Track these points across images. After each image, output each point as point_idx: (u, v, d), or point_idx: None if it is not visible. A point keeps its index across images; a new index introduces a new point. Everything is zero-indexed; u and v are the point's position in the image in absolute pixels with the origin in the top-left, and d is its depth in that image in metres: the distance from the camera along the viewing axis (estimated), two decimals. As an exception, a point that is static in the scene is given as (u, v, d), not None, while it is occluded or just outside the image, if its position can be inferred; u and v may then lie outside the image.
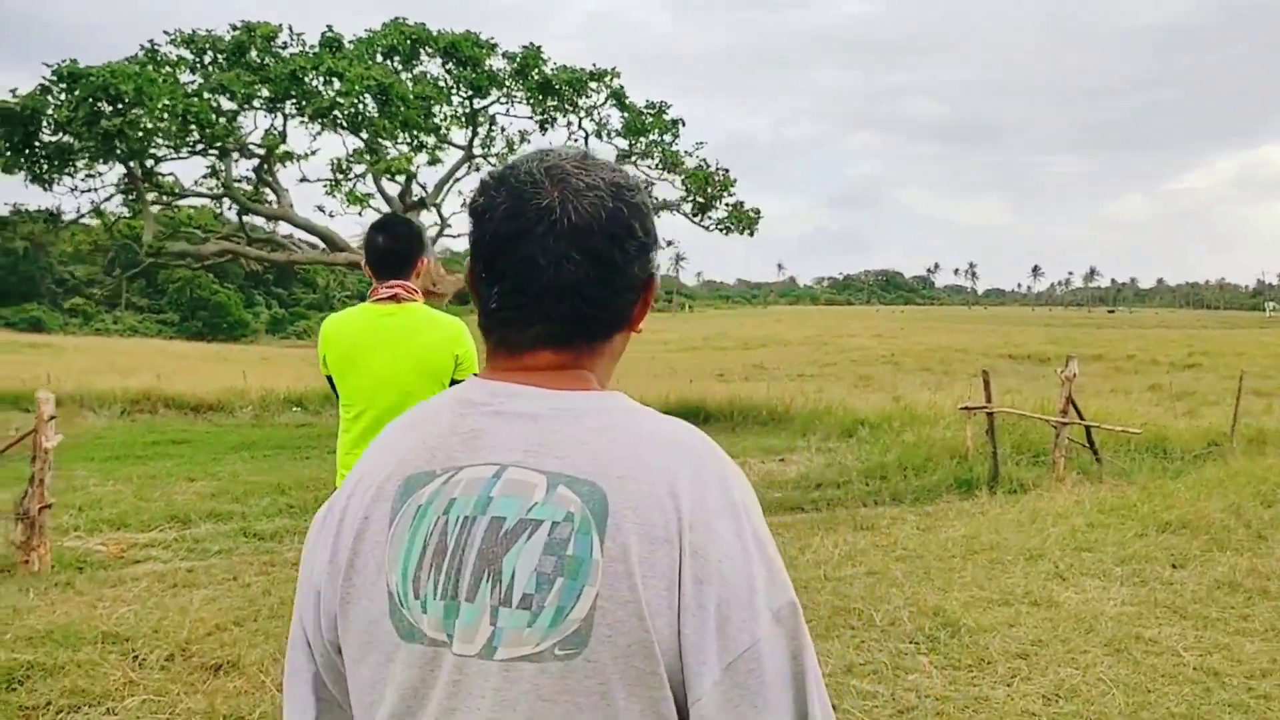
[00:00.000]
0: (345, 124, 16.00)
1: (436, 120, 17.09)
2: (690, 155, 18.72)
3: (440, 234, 17.86)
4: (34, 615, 5.13)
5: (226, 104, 16.29)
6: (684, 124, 18.66)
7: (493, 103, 18.26)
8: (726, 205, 18.59)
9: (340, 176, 17.17)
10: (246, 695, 4.20)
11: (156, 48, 16.55)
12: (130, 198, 17.11)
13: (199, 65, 16.82)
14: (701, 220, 18.77)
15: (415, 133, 16.36)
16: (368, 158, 16.37)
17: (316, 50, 16.93)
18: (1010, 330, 63.48)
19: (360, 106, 15.85)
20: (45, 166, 15.60)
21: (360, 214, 17.17)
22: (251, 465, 11.49)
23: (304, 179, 18.10)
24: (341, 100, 15.57)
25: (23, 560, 6.27)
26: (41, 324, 58.48)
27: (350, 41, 17.33)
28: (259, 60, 16.63)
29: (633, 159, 18.55)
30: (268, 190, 17.70)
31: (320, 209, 18.56)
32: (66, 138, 15.26)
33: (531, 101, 17.97)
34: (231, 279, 69.00)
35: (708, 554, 0.95)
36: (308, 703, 1.12)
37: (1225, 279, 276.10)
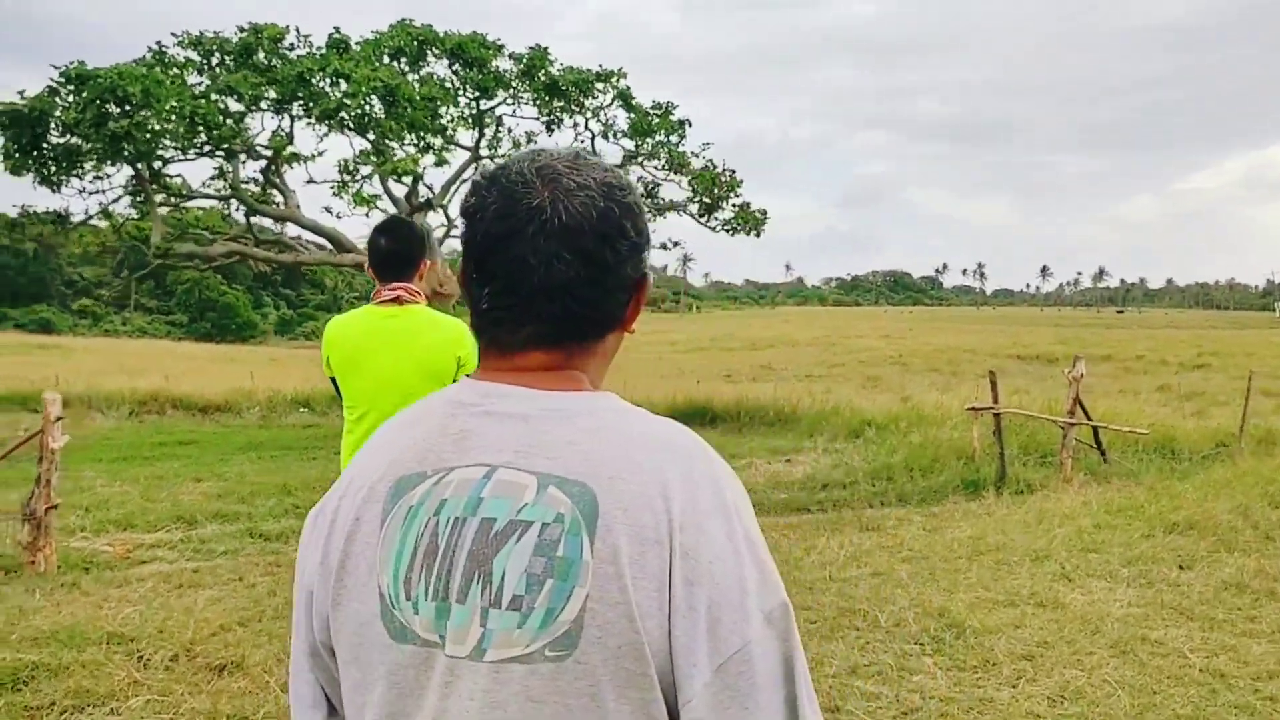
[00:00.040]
0: (352, 125, 16.03)
1: (443, 121, 17.12)
2: (697, 156, 18.71)
3: (447, 235, 17.87)
4: (39, 616, 5.14)
5: (234, 105, 16.34)
6: (690, 125, 18.65)
7: (499, 104, 18.28)
8: (733, 206, 18.58)
9: (347, 178, 17.19)
10: (250, 696, 4.20)
11: (164, 49, 16.61)
12: (138, 199, 17.17)
13: (206, 67, 16.87)
14: (708, 221, 18.75)
15: (422, 134, 16.38)
16: (374, 159, 16.39)
17: (323, 52, 16.96)
18: (1019, 331, 63.33)
19: (367, 108, 15.87)
20: (53, 168, 15.66)
21: (367, 215, 17.21)
22: (258, 466, 11.52)
23: (311, 180, 18.17)
24: (348, 101, 15.60)
25: (29, 561, 6.29)
26: (51, 325, 58.70)
27: (357, 43, 17.36)
28: (266, 62, 16.68)
29: (639, 160, 18.54)
30: (275, 192, 17.74)
31: (327, 210, 18.67)
32: (74, 139, 15.31)
33: (538, 102, 17.97)
34: (240, 280, 69.17)
35: (699, 555, 0.95)
36: (312, 701, 1.12)
37: (1235, 279, 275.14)
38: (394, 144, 16.39)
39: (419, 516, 0.99)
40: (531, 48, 17.80)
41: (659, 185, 18.73)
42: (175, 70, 16.40)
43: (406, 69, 17.42)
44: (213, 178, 17.63)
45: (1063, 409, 10.37)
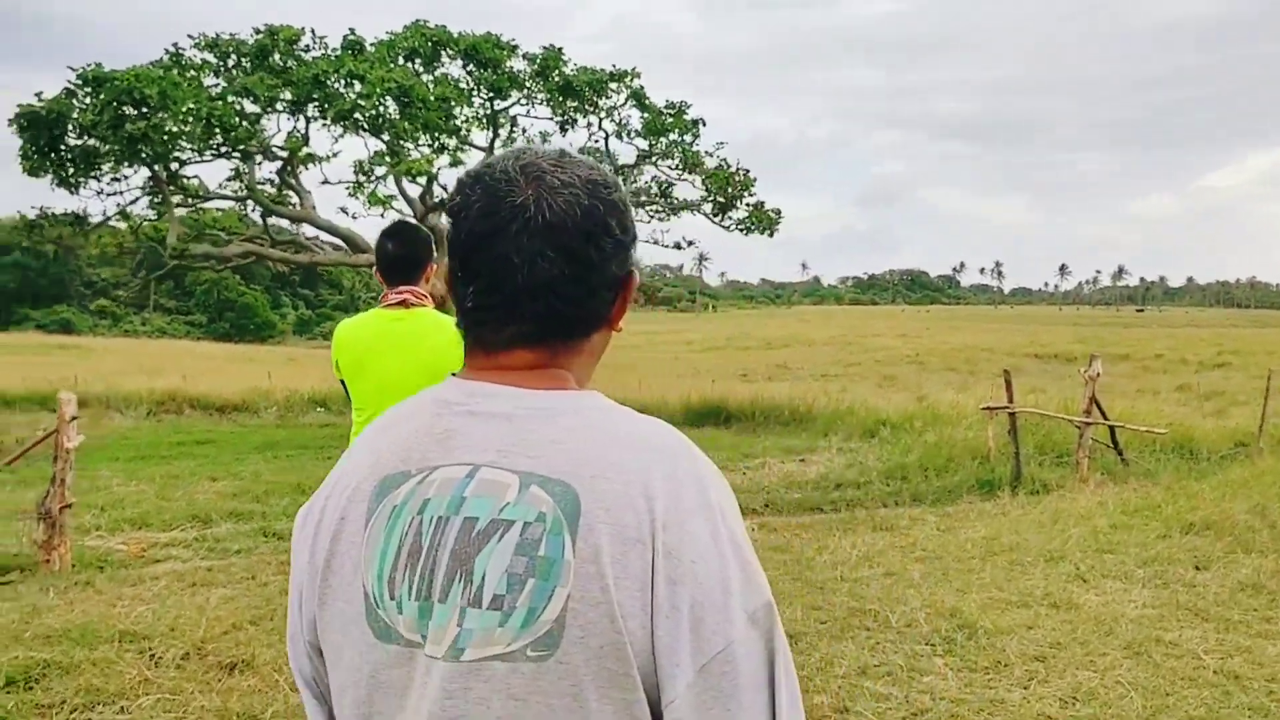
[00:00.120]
0: (366, 126, 16.10)
1: (457, 122, 17.16)
2: (710, 155, 18.70)
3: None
4: (52, 614, 5.18)
5: (250, 107, 16.44)
6: (704, 124, 18.65)
7: (513, 104, 18.33)
8: (747, 205, 18.55)
9: (363, 178, 17.27)
10: (260, 694, 4.22)
11: (181, 52, 16.73)
12: (155, 200, 17.29)
13: (223, 69, 16.98)
14: (722, 220, 18.73)
15: (436, 134, 16.43)
16: (389, 160, 16.45)
17: (338, 53, 17.04)
18: (1037, 329, 63.01)
19: (381, 109, 15.94)
20: (71, 170, 15.78)
21: (382, 215, 17.28)
22: (274, 465, 11.57)
23: (326, 181, 18.29)
24: (363, 103, 15.67)
25: (44, 559, 6.34)
26: (71, 326, 59.19)
27: (372, 44, 17.44)
28: (282, 63, 16.77)
29: (653, 159, 18.55)
30: (291, 193, 17.84)
31: (343, 210, 18.74)
32: (92, 141, 15.43)
33: (552, 103, 18.01)
34: (258, 281, 69.57)
35: (681, 555, 0.94)
36: (322, 700, 1.12)
37: (1256, 277, 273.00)
38: (408, 145, 16.45)
39: (403, 516, 0.99)
40: (545, 48, 17.84)
41: (673, 185, 18.75)
42: (192, 72, 16.52)
43: (421, 70, 17.48)
44: (229, 179, 17.77)
45: (1079, 408, 10.30)
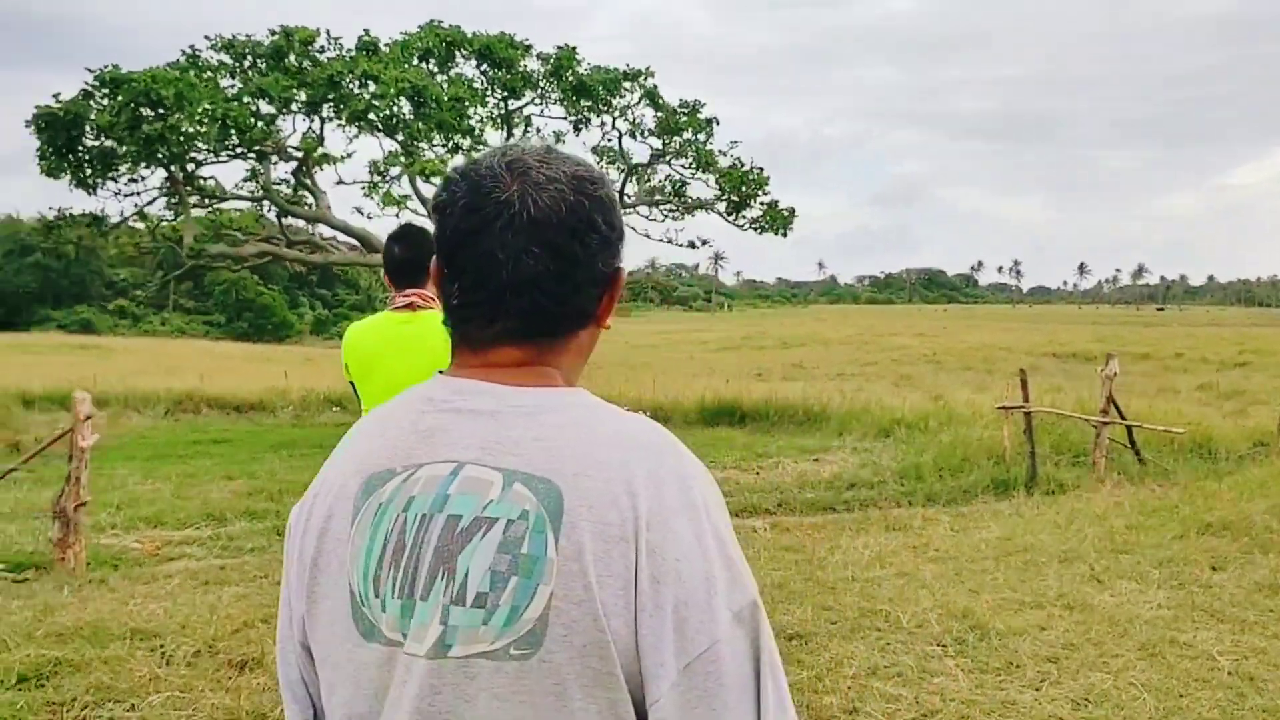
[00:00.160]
0: (381, 126, 16.17)
1: (471, 122, 17.22)
2: (724, 154, 18.68)
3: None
4: (65, 612, 5.21)
5: (265, 108, 16.54)
6: (718, 123, 18.66)
7: (527, 104, 18.39)
8: (761, 204, 18.51)
9: (377, 179, 17.35)
10: (269, 692, 4.23)
11: (197, 53, 16.85)
12: (172, 201, 17.40)
13: (239, 70, 17.08)
14: (736, 219, 18.71)
15: (450, 134, 16.49)
16: (403, 160, 16.52)
17: (353, 54, 17.12)
18: (1055, 328, 62.56)
19: (395, 109, 16.00)
20: (89, 170, 15.91)
21: (397, 215, 17.37)
22: (289, 464, 11.62)
23: (340, 181, 18.36)
24: (377, 103, 15.74)
25: (59, 558, 6.38)
26: (92, 326, 59.68)
27: (386, 45, 17.50)
28: (297, 64, 16.85)
29: (667, 158, 18.55)
30: (306, 193, 17.93)
31: (358, 210, 18.82)
32: (109, 142, 15.55)
33: (566, 102, 18.04)
34: (276, 281, 69.94)
35: (665, 553, 0.94)
36: (300, 700, 1.12)
37: (1278, 276, 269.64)
38: (423, 145, 16.51)
39: (388, 513, 0.99)
40: (559, 48, 17.89)
41: (686, 184, 18.73)
42: (208, 73, 16.63)
43: (435, 70, 17.53)
44: (245, 179, 17.90)
45: (1096, 408, 10.23)
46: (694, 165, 18.48)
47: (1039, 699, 4.24)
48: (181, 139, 15.20)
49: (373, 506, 1.00)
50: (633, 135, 18.62)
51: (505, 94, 17.84)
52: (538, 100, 18.26)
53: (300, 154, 17.24)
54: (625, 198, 18.95)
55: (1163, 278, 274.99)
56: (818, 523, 8.11)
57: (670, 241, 19.95)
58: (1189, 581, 5.95)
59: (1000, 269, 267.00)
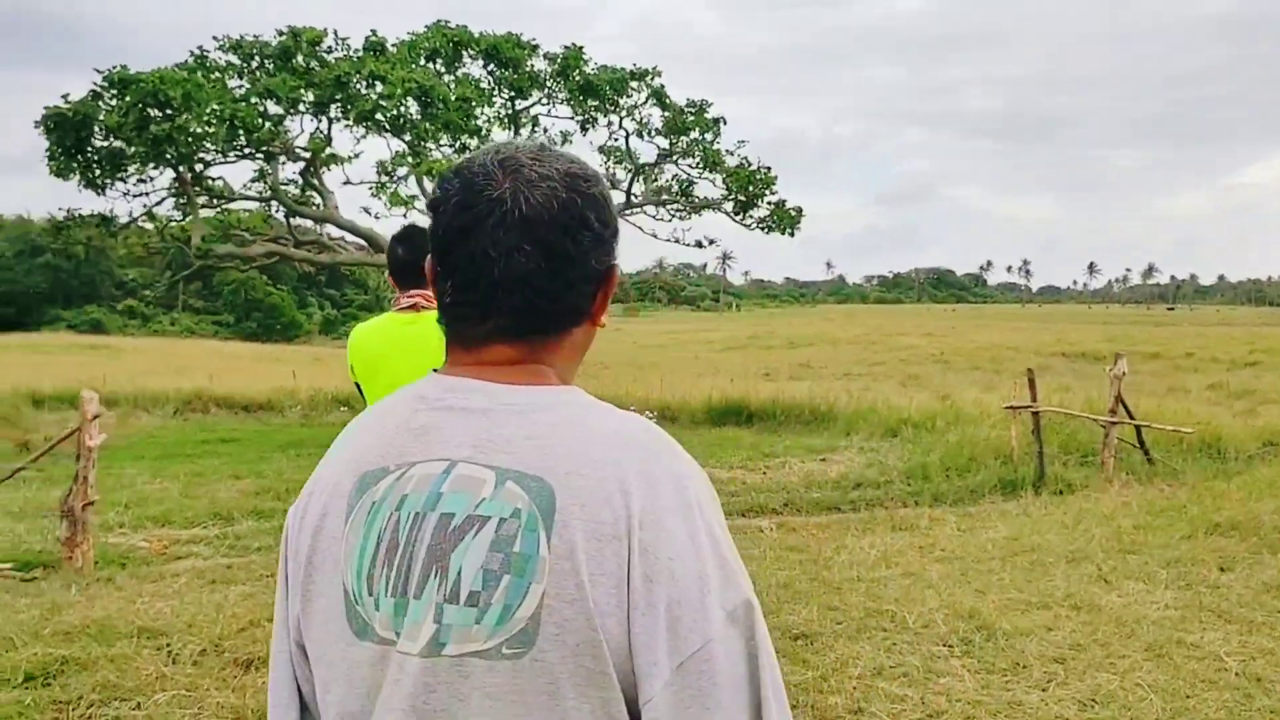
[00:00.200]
0: (388, 127, 16.19)
1: (478, 122, 17.23)
2: (731, 154, 18.65)
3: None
4: (73, 611, 5.23)
5: (273, 108, 16.57)
6: (725, 122, 18.60)
7: (534, 103, 18.39)
8: (768, 204, 18.48)
9: (385, 179, 17.38)
10: (274, 691, 4.23)
11: (205, 54, 16.89)
12: (181, 201, 17.45)
13: (246, 70, 17.12)
14: (743, 219, 18.68)
15: (457, 134, 16.49)
16: (410, 160, 16.55)
17: (360, 54, 17.14)
18: (1065, 328, 62.32)
19: (402, 109, 16.02)
20: (98, 171, 15.95)
21: (404, 215, 17.38)
22: (297, 463, 11.64)
23: (348, 181, 18.40)
24: (384, 103, 15.77)
25: (66, 557, 6.40)
26: (102, 326, 59.92)
27: (393, 45, 17.53)
28: (305, 65, 16.88)
29: (674, 158, 18.53)
30: (314, 193, 17.97)
31: (365, 210, 18.85)
32: (118, 142, 15.59)
33: (573, 102, 18.03)
34: (284, 281, 70.13)
35: (658, 552, 0.93)
36: (288, 700, 1.11)
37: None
38: (430, 145, 16.52)
39: (381, 512, 0.99)
40: (566, 48, 17.88)
41: (693, 183, 18.71)
42: (216, 74, 16.66)
43: (442, 70, 17.55)
44: (253, 180, 17.92)
45: (1105, 407, 10.18)
46: (701, 165, 18.46)
47: (1045, 699, 4.22)
48: (189, 139, 15.24)
49: (366, 505, 1.00)
50: (640, 135, 18.61)
51: (512, 94, 17.85)
52: (545, 100, 18.28)
53: (308, 154, 17.28)
54: (632, 197, 18.93)
55: (1173, 277, 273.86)
56: (824, 522, 8.10)
57: (677, 241, 19.96)
58: (1197, 582, 5.92)
59: (1009, 269, 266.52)
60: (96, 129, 15.41)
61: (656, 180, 19.07)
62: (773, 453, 11.87)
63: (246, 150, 16.56)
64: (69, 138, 15.27)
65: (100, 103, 15.37)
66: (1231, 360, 32.21)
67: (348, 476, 1.03)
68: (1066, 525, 7.49)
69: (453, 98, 16.20)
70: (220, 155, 16.60)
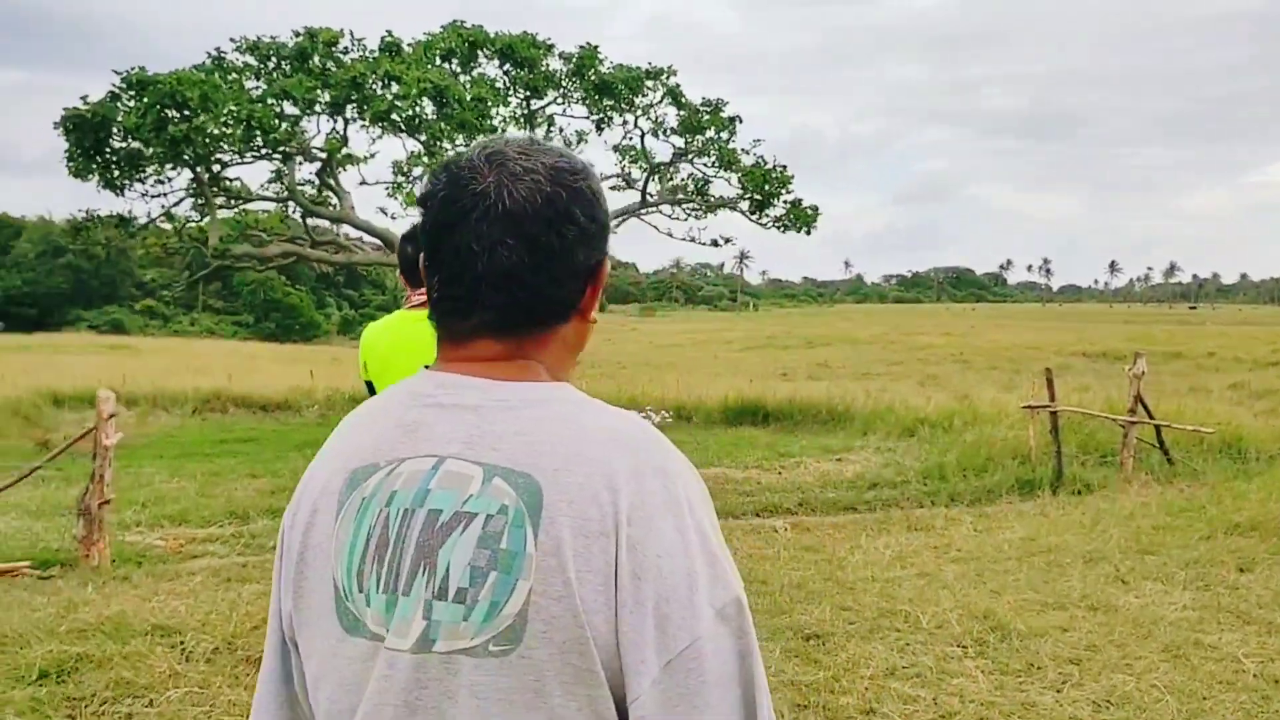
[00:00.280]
0: (404, 127, 16.24)
1: (493, 122, 17.24)
2: (747, 153, 18.59)
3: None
4: (88, 608, 5.26)
5: (289, 109, 16.65)
6: (740, 121, 18.54)
7: (549, 103, 18.39)
8: (784, 203, 18.41)
9: (401, 179, 17.43)
10: (286, 689, 4.24)
11: (223, 55, 16.98)
12: (199, 202, 17.56)
13: (263, 71, 17.21)
14: (759, 218, 18.62)
15: (472, 134, 16.51)
16: (426, 160, 16.59)
17: (376, 55, 17.20)
18: (1085, 327, 61.88)
19: (418, 109, 16.06)
20: (116, 172, 16.06)
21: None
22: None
23: (364, 182, 18.47)
24: (400, 103, 15.81)
25: (83, 554, 6.45)
26: (122, 326, 60.45)
27: (409, 45, 17.57)
28: (321, 65, 16.95)
29: (689, 157, 18.49)
30: (330, 194, 18.05)
31: (382, 210, 18.88)
32: (136, 144, 15.69)
33: (588, 101, 18.02)
34: (303, 281, 70.54)
35: (646, 549, 0.93)
36: (278, 700, 1.11)
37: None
38: (445, 145, 16.55)
39: (371, 508, 0.99)
40: (582, 47, 17.86)
41: (709, 182, 18.67)
42: (233, 75, 16.76)
43: (458, 70, 17.58)
44: (270, 180, 18.01)
45: (1125, 407, 10.10)
46: (717, 164, 18.42)
47: (1060, 701, 4.18)
48: (207, 140, 15.32)
49: (356, 501, 1.00)
50: (655, 134, 18.59)
51: (528, 94, 17.86)
52: (560, 100, 18.28)
53: (324, 155, 17.35)
54: (648, 196, 18.91)
55: (1195, 276, 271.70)
56: (839, 522, 8.07)
57: (693, 240, 19.91)
58: (1215, 583, 5.87)
59: (1030, 267, 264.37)
60: (115, 130, 15.52)
61: (672, 179, 19.05)
62: (788, 452, 11.84)
63: (263, 151, 16.64)
64: (88, 139, 15.38)
65: (119, 104, 15.47)
66: (1254, 360, 31.89)
67: (338, 474, 1.03)
68: (1084, 526, 7.43)
69: (468, 97, 16.23)
70: (237, 156, 16.69)
